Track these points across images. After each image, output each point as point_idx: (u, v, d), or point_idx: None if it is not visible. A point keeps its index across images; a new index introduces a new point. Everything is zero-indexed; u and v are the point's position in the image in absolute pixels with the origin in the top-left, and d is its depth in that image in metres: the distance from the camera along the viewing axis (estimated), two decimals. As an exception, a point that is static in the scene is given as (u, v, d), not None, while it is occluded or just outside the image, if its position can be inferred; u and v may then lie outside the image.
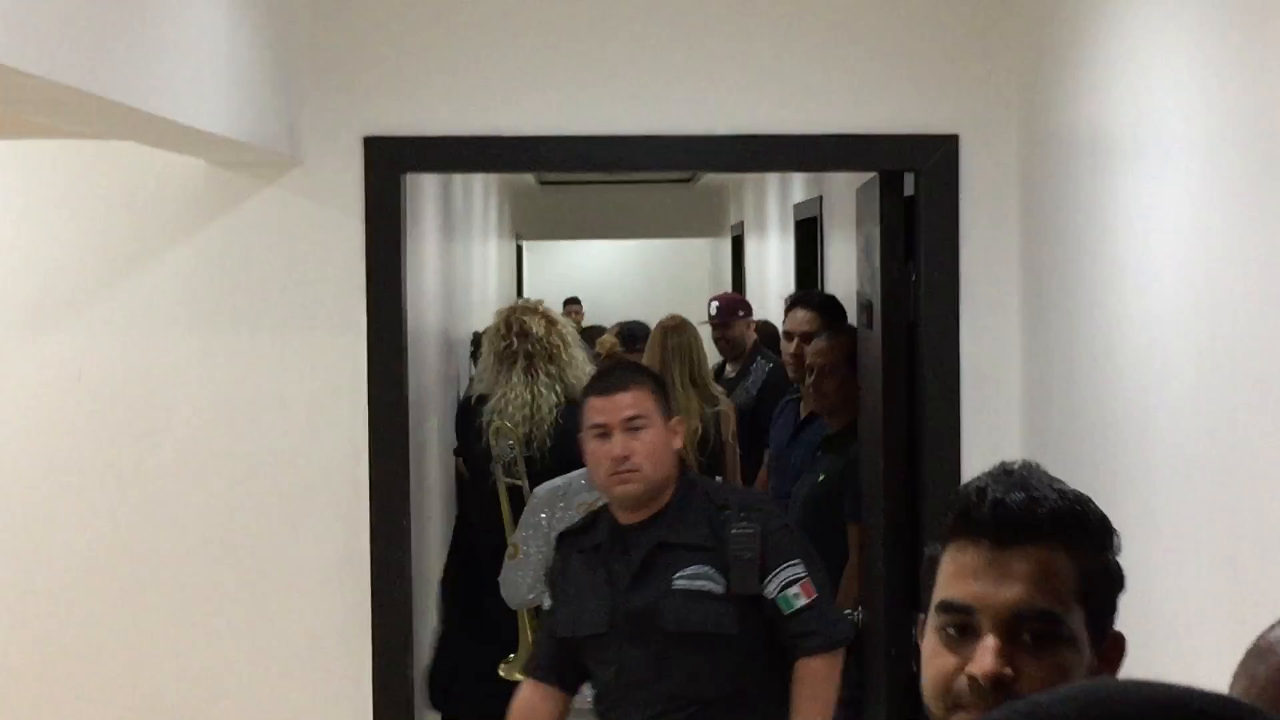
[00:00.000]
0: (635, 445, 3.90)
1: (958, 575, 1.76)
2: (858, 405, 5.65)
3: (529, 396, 5.95)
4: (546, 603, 4.08)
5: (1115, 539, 1.85)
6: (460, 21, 4.78)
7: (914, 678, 5.20)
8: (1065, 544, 1.76)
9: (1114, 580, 1.82)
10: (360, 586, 4.77)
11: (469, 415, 6.18)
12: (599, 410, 3.95)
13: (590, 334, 8.81)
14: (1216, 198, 3.27)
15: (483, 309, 10.45)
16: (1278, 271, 2.96)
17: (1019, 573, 1.75)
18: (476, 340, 8.65)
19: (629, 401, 3.94)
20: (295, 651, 4.67)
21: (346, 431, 4.77)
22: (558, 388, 5.98)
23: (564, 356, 6.05)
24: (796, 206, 9.10)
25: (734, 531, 3.89)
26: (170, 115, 3.44)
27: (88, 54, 2.86)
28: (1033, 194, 4.65)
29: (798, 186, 9.19)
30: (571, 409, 5.37)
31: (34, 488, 4.82)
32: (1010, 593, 1.73)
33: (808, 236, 8.59)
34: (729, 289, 12.76)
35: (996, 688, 1.68)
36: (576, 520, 4.33)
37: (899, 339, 5.01)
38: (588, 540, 4.03)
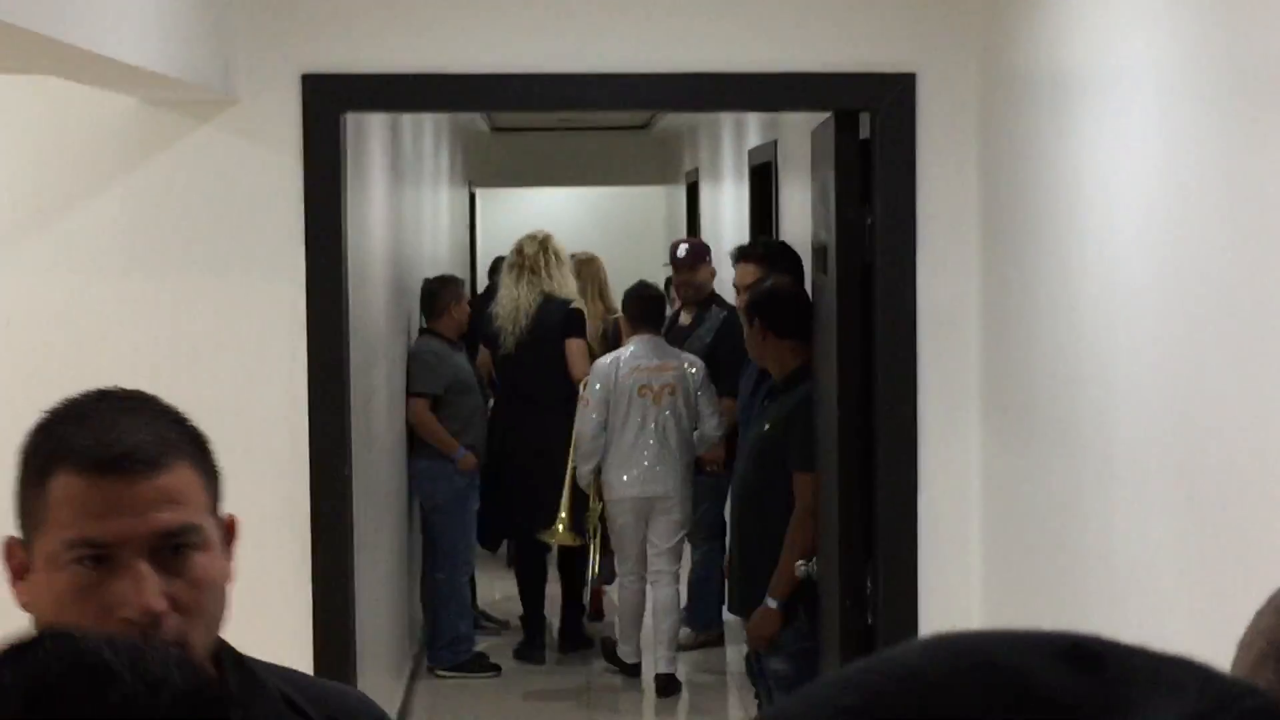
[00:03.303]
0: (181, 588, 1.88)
1: None
2: (797, 354, 5.56)
3: (515, 295, 8.14)
4: None
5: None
6: (403, -45, 4.63)
7: (870, 628, 5.14)
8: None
9: None
10: (300, 537, 4.66)
11: (484, 312, 8.47)
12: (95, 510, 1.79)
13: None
14: (1182, 136, 3.18)
15: (434, 256, 10.30)
16: (1244, 210, 2.88)
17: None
18: (427, 287, 8.55)
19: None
20: (233, 600, 4.55)
21: (285, 378, 4.65)
22: (540, 288, 8.13)
23: (545, 270, 8.14)
24: (751, 152, 8.99)
25: None
26: (93, 48, 3.29)
27: (-3, -23, 2.72)
28: (992, 134, 4.54)
29: (753, 131, 9.07)
30: (545, 304, 8.06)
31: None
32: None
33: (763, 182, 8.48)
34: (685, 236, 12.66)
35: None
36: None
37: (853, 284, 4.91)
38: None
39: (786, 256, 6.33)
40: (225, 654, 1.81)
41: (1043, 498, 4.08)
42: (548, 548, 8.23)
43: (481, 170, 15.56)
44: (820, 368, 5.36)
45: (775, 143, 8.03)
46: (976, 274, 4.67)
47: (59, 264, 4.66)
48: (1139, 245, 3.40)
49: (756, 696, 6.41)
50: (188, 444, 1.75)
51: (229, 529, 1.81)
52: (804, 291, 5.87)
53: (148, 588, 1.67)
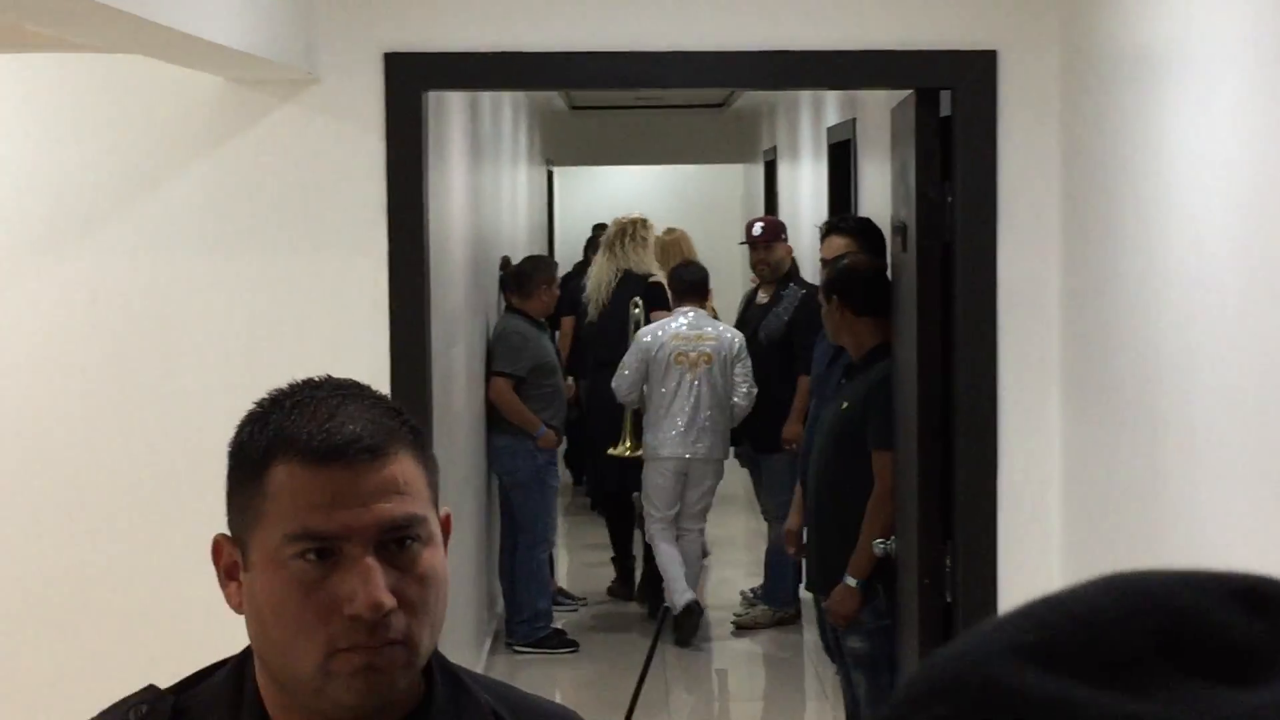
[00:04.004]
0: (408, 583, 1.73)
1: None
2: (875, 332, 5.56)
3: (600, 270, 8.97)
4: None
5: None
6: (483, -66, 4.65)
7: (948, 607, 5.12)
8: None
9: None
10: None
11: (577, 289, 9.44)
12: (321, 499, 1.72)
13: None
14: (1270, 117, 3.14)
15: (513, 235, 10.33)
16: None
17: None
18: (505, 265, 8.58)
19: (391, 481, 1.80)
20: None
21: (367, 355, 4.68)
22: (617, 265, 8.86)
23: (626, 247, 8.84)
24: (830, 130, 8.96)
25: None
26: (180, 27, 3.33)
27: (87, -42, 2.75)
28: (1074, 113, 4.51)
29: (831, 110, 9.04)
30: (625, 278, 8.81)
31: (48, 412, 4.74)
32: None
33: (841, 160, 8.45)
34: (762, 214, 12.65)
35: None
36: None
37: (934, 262, 4.88)
38: None
39: (872, 232, 6.31)
40: (437, 660, 1.71)
41: (1124, 477, 4.06)
42: (633, 505, 8.93)
43: (559, 149, 15.58)
44: (899, 346, 5.34)
45: (854, 121, 8.00)
46: (1057, 252, 4.64)
47: (144, 243, 4.71)
48: (1226, 224, 3.38)
49: (836, 674, 6.41)
50: (408, 433, 1.66)
51: (444, 525, 1.71)
52: (882, 269, 5.85)
53: (375, 581, 1.57)
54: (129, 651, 4.65)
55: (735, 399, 8.04)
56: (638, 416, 8.34)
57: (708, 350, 8.01)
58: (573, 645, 8.11)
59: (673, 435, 8.04)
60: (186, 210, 4.70)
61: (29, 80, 4.71)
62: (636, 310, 8.72)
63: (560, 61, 4.66)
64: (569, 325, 9.41)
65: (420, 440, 1.67)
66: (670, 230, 9.68)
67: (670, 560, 8.17)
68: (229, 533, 1.69)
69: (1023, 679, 0.65)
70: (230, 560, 1.68)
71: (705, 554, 8.80)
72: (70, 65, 4.67)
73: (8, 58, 4.63)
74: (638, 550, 9.07)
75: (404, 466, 1.62)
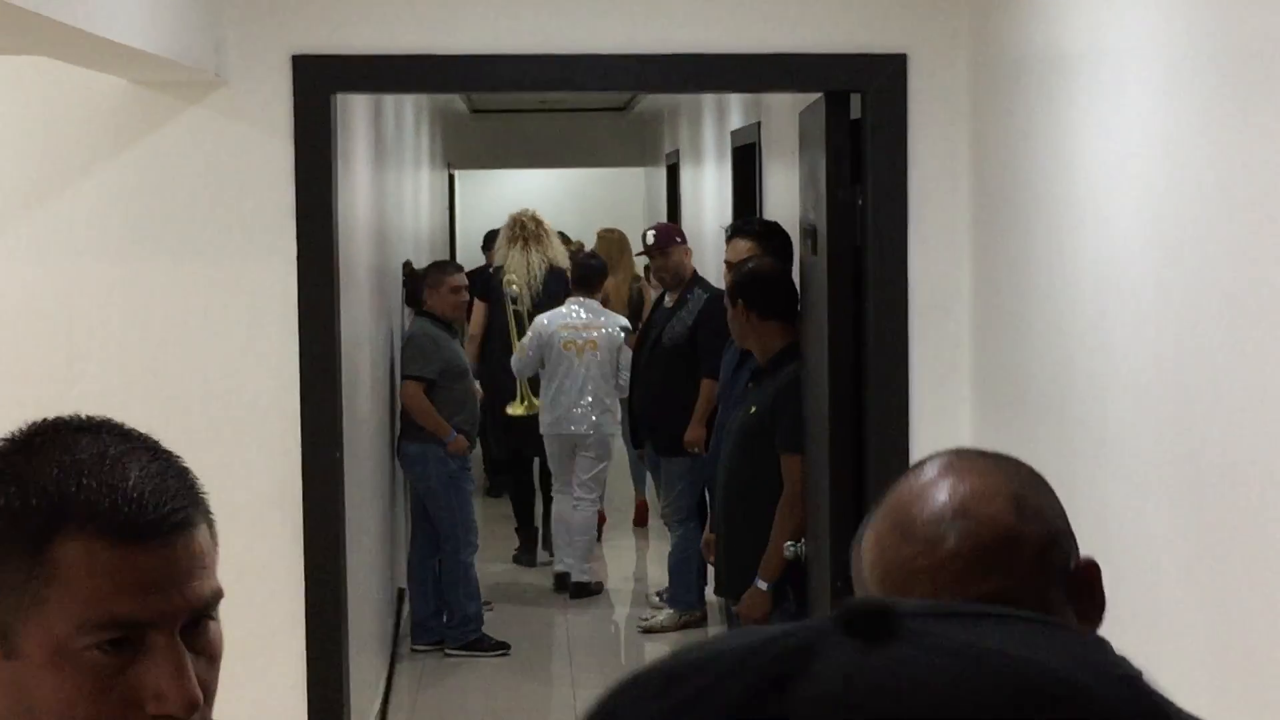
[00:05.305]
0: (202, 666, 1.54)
1: None
2: (781, 336, 5.57)
3: (526, 261, 9.58)
4: None
5: None
6: (392, -65, 4.61)
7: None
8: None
9: None
10: (292, 521, 4.65)
11: (491, 278, 9.80)
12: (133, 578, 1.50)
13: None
14: (1177, 118, 3.18)
15: (415, 239, 10.28)
16: (1240, 193, 2.88)
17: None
18: (408, 269, 8.52)
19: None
20: (226, 586, 4.53)
21: (277, 362, 4.63)
22: (544, 258, 9.63)
23: (546, 240, 9.72)
24: (734, 133, 8.98)
25: None
26: (85, 26, 3.27)
27: (-5, -44, 2.70)
28: (984, 115, 4.54)
29: (735, 113, 9.06)
30: (551, 272, 9.57)
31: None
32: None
33: (745, 164, 8.47)
34: (664, 218, 12.66)
35: None
36: None
37: (845, 265, 4.90)
38: None
39: (777, 236, 6.32)
40: None
41: (1036, 478, 4.08)
42: (531, 474, 10.02)
43: (460, 152, 15.53)
44: (809, 348, 5.35)
45: (759, 124, 8.02)
46: (968, 255, 4.67)
47: (49, 247, 4.63)
48: (1135, 226, 3.40)
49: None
50: (194, 490, 1.44)
51: None
52: (787, 272, 5.86)
53: (188, 675, 1.38)
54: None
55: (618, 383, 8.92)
56: (533, 381, 9.28)
57: (594, 338, 8.89)
58: (504, 647, 8.10)
59: (557, 416, 8.95)
60: (92, 214, 4.63)
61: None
62: (513, 289, 9.63)
63: (471, 64, 4.64)
64: (480, 314, 9.81)
65: (204, 497, 1.46)
66: (611, 229, 10.75)
67: (559, 526, 9.22)
68: None
69: None
70: None
71: (598, 531, 9.68)
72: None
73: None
74: (539, 522, 10.02)
75: (202, 535, 1.42)
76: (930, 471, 1.76)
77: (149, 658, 1.37)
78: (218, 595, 1.44)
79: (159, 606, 1.38)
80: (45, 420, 1.43)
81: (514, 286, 9.56)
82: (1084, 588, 1.71)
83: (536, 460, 9.83)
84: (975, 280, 4.65)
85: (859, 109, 4.79)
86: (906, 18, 4.65)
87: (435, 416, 7.80)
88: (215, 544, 1.46)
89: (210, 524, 1.45)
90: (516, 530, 10.04)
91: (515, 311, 9.58)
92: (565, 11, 4.65)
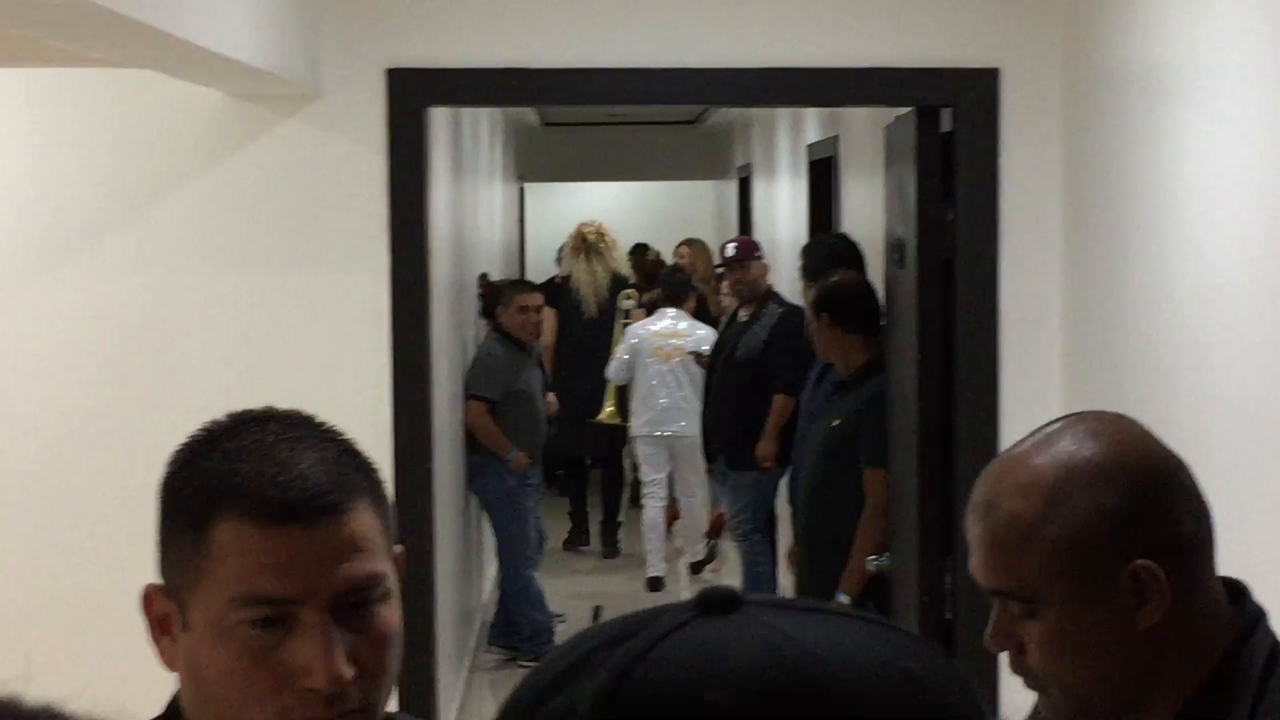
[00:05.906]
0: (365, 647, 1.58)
1: None
2: (865, 349, 5.58)
3: (592, 271, 10.30)
4: None
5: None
6: (485, -50, 4.63)
7: (947, 623, 5.11)
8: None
9: None
10: (383, 531, 4.66)
11: (559, 289, 10.45)
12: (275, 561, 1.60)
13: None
14: (1277, 135, 3.14)
15: (489, 251, 10.31)
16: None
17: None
18: (484, 281, 8.54)
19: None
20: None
21: (369, 373, 4.66)
22: (607, 269, 10.32)
23: (608, 251, 10.37)
24: (810, 147, 8.95)
25: None
26: (191, 38, 3.31)
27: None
28: (1077, 131, 4.52)
29: (811, 126, 9.03)
30: (614, 281, 10.36)
31: (49, 429, 4.71)
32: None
33: (822, 177, 8.44)
34: (736, 232, 12.64)
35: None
36: None
37: (934, 279, 4.89)
38: None
39: (846, 251, 6.30)
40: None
41: (1130, 494, 4.05)
42: (587, 471, 10.95)
43: (532, 164, 15.56)
44: (896, 362, 5.34)
45: (836, 138, 8.00)
46: (1060, 270, 4.65)
47: (145, 259, 4.68)
48: (1235, 242, 3.38)
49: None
50: (364, 478, 1.50)
51: (399, 565, 1.55)
52: (871, 286, 5.86)
53: (336, 652, 1.42)
54: (133, 668, 4.60)
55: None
56: (621, 390, 9.99)
57: (682, 345, 9.45)
58: None
59: (649, 417, 9.58)
60: (187, 226, 4.68)
61: (30, 95, 4.68)
62: (629, 303, 10.38)
63: (558, 77, 4.66)
64: (550, 322, 10.07)
65: (377, 484, 1.52)
66: (692, 239, 11.74)
67: (649, 527, 9.80)
68: (161, 581, 1.51)
69: None
70: (163, 613, 1.51)
71: (667, 527, 10.20)
72: (71, 80, 4.64)
73: (7, 72, 4.59)
74: (591, 508, 10.89)
75: (363, 520, 1.47)
76: (1025, 442, 1.80)
77: (298, 635, 1.44)
78: (375, 578, 1.47)
79: (304, 586, 1.44)
80: (232, 413, 1.54)
81: (629, 300, 10.37)
82: (1135, 590, 1.73)
83: (619, 463, 10.67)
84: (1067, 296, 4.63)
85: (948, 122, 4.78)
86: (999, 31, 4.64)
87: (496, 434, 7.85)
88: (384, 526, 1.50)
89: (378, 508, 1.50)
90: (570, 514, 10.96)
91: (580, 321, 10.24)
92: (659, 25, 4.66)
